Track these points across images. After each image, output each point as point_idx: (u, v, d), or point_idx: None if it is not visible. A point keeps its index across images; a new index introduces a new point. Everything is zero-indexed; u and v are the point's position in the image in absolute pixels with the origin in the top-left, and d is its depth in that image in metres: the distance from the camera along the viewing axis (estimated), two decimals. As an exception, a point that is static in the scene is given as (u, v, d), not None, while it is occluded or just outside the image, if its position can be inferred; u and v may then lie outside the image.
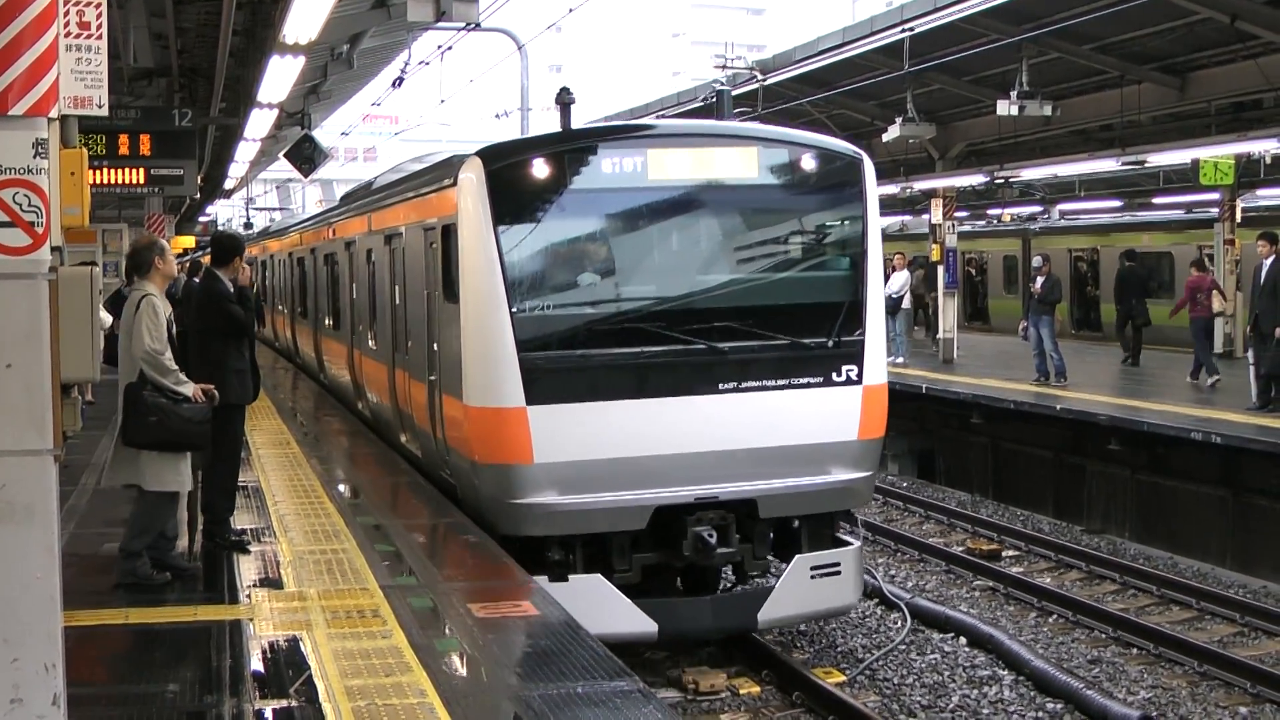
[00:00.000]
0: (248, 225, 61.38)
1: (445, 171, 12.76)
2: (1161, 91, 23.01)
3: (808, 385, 11.97)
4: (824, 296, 12.37)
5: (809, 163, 12.40)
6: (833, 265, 12.74)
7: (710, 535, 11.52)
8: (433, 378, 12.90)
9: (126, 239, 30.18)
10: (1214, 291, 23.01)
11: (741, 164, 12.22)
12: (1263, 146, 23.27)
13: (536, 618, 8.67)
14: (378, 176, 20.55)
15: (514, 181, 11.61)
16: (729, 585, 13.41)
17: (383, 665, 7.63)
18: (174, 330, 9.51)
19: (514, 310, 11.30)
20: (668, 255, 12.43)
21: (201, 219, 55.45)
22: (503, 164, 11.74)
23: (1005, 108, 22.01)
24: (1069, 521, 20.31)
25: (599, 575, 11.42)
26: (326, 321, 21.57)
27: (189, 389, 9.36)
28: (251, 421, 16.30)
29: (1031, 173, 28.98)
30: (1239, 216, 27.46)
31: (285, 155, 25.95)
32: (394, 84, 25.74)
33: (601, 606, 11.03)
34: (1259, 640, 14.12)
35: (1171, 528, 18.47)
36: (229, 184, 40.69)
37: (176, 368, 9.34)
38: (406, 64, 24.85)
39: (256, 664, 7.83)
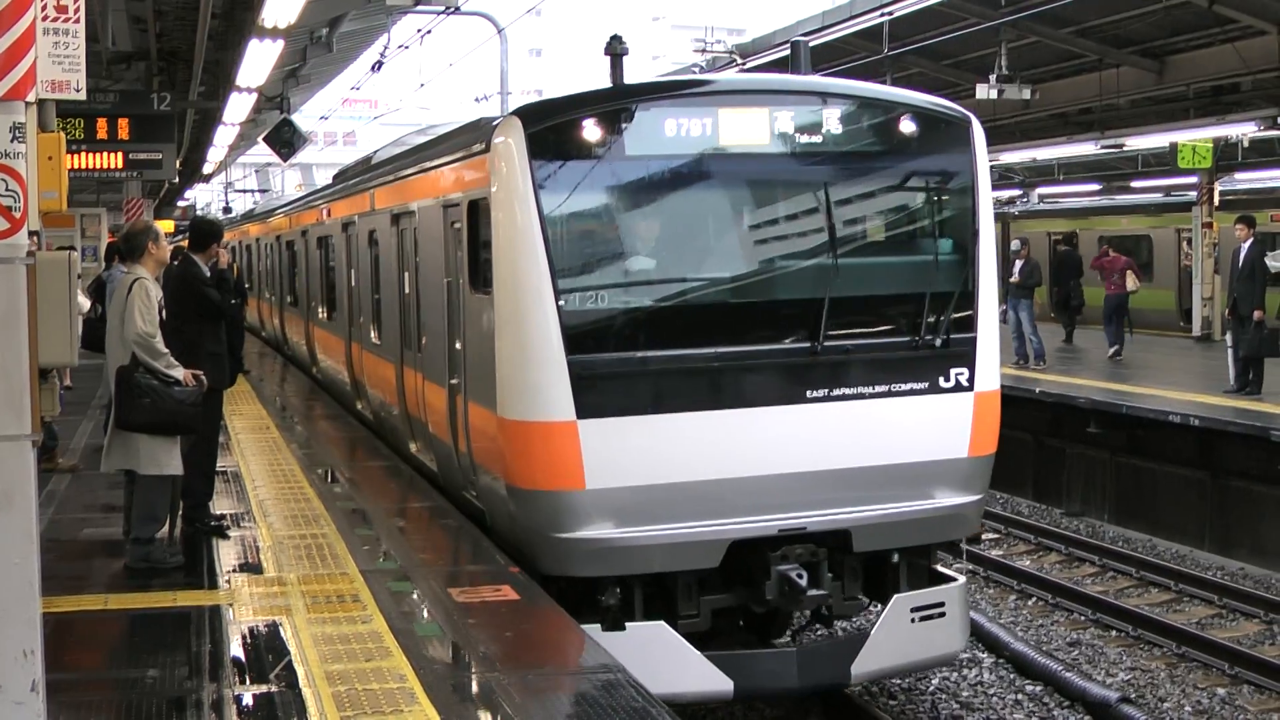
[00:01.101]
0: (227, 210, 61.25)
1: (473, 137, 10.96)
2: (1140, 75, 23.07)
3: (911, 392, 10.15)
4: (929, 285, 10.37)
5: (909, 125, 10.40)
6: (939, 248, 10.80)
7: (799, 575, 9.68)
8: (454, 381, 11.20)
9: (105, 223, 30.10)
10: (1127, 271, 24.28)
11: (829, 125, 10.24)
12: (1240, 130, 23.44)
13: (517, 602, 8.66)
14: (378, 150, 18.89)
15: (560, 146, 9.65)
16: (799, 626, 11.82)
17: (363, 650, 7.62)
18: (164, 315, 9.52)
19: (561, 302, 9.38)
20: (743, 236, 10.45)
21: (180, 203, 55.28)
22: (546, 125, 9.75)
23: (984, 91, 22.06)
24: (1048, 504, 20.38)
25: (662, 623, 9.61)
26: (320, 312, 20.07)
27: (179, 372, 9.38)
28: (231, 406, 16.28)
29: (1010, 156, 29.07)
30: (1217, 200, 27.60)
31: (264, 139, 25.93)
32: (373, 68, 25.67)
33: (666, 660, 9.39)
34: (1236, 622, 14.20)
35: (1150, 510, 18.53)
36: (208, 168, 40.57)
37: (167, 351, 9.35)
38: (386, 48, 24.79)
39: (236, 649, 7.81)
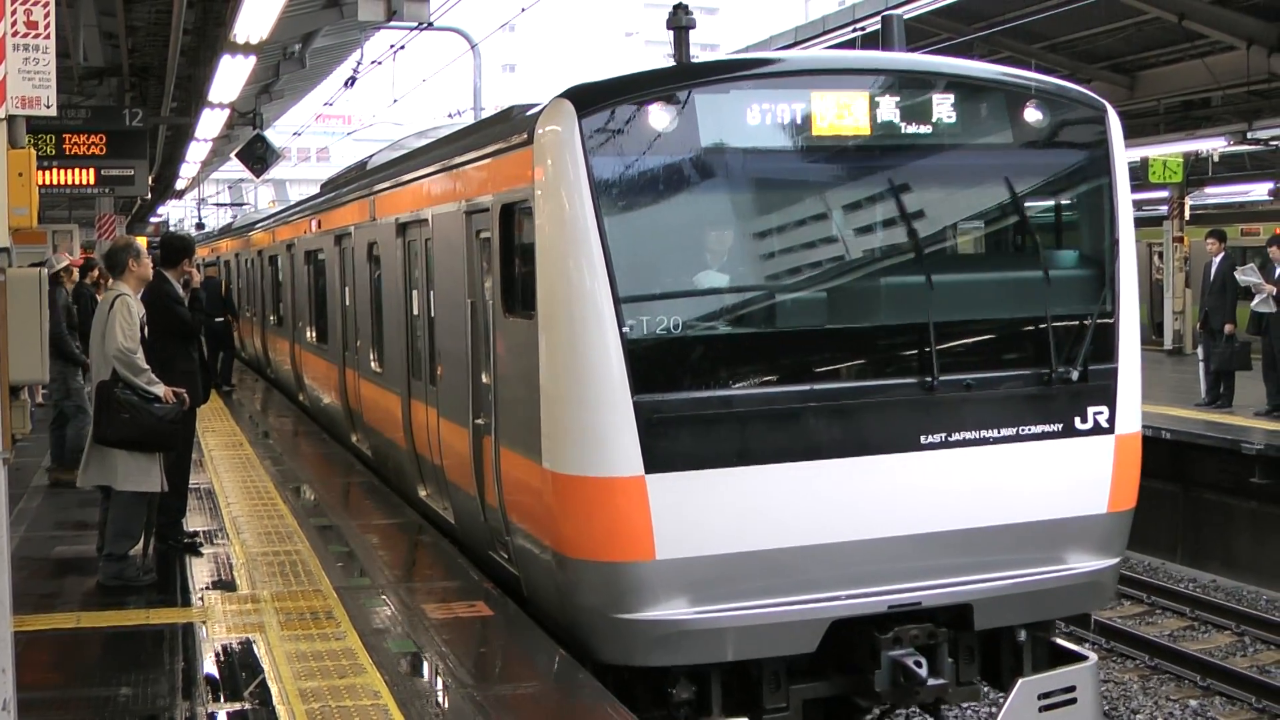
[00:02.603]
0: (200, 225, 61.12)
1: (507, 128, 9.19)
2: (1111, 90, 23.18)
3: (1043, 436, 8.48)
4: (1063, 307, 8.68)
5: (1035, 113, 8.70)
6: (1073, 262, 9.12)
7: (918, 663, 8.04)
8: (479, 421, 9.58)
9: (77, 240, 30.02)
10: None
11: (940, 112, 8.49)
12: (1211, 145, 23.59)
13: (490, 618, 8.65)
14: (375, 153, 17.21)
15: (621, 136, 7.87)
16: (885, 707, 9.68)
17: (336, 667, 7.60)
18: (145, 331, 9.51)
19: (625, 329, 7.64)
20: (841, 247, 8.63)
21: (153, 219, 55.16)
22: (605, 108, 7.90)
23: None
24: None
25: None
26: (308, 334, 18.63)
27: (160, 389, 9.38)
28: (205, 424, 16.23)
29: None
30: (1188, 214, 27.79)
31: (237, 155, 25.84)
32: (346, 84, 25.66)
33: None
34: (1209, 634, 14.25)
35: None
36: (180, 184, 40.47)
37: (148, 367, 9.34)
38: (359, 63, 24.80)
39: (210, 667, 7.79)
